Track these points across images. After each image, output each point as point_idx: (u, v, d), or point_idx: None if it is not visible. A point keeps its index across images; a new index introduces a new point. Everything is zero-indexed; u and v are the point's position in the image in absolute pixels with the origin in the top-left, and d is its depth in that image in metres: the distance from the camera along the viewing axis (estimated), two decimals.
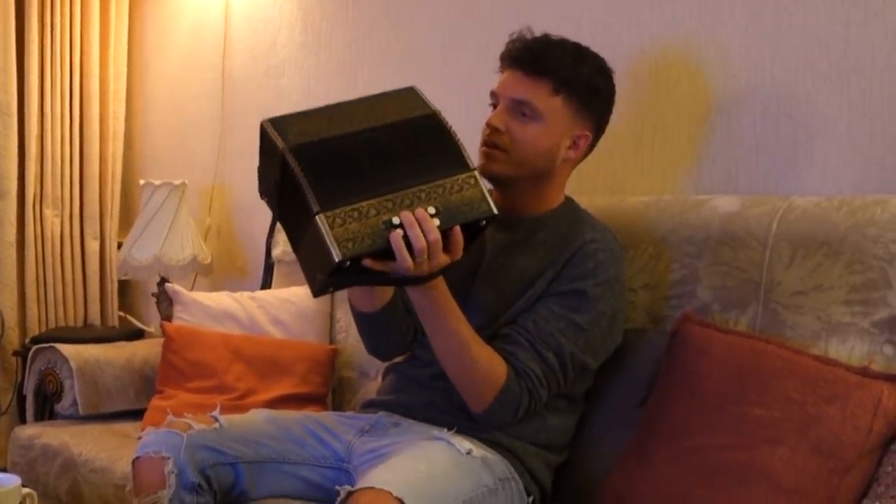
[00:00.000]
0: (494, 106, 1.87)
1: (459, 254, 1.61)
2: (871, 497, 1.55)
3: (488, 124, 1.84)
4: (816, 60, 2.04)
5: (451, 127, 1.65)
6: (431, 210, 1.57)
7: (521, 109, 1.82)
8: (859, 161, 1.99)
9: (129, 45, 3.72)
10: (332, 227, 1.51)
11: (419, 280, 1.62)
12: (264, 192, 1.65)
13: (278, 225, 2.87)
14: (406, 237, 1.54)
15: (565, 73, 1.82)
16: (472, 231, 1.63)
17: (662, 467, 1.73)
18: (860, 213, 1.80)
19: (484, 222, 1.63)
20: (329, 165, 1.55)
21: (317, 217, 1.51)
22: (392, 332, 1.91)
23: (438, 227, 1.56)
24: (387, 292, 1.84)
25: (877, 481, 1.57)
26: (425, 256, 1.56)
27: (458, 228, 1.59)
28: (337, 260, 1.50)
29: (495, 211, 1.62)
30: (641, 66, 2.30)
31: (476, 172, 1.64)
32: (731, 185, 2.15)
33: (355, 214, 1.53)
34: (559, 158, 1.87)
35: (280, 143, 1.55)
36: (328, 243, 1.50)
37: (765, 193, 2.06)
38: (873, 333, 1.74)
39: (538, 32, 1.89)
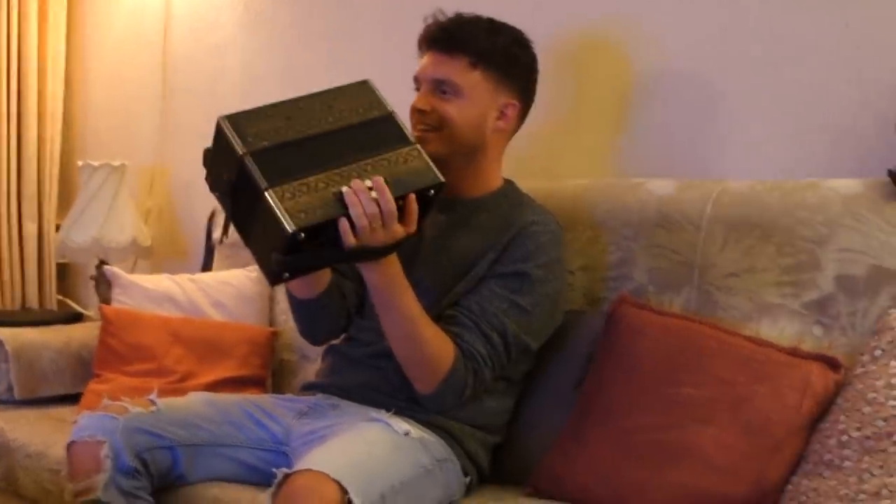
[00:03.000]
0: (419, 90, 1.88)
1: (414, 225, 1.63)
2: (799, 475, 1.58)
3: (414, 108, 1.85)
4: (750, 46, 2.06)
5: (396, 113, 1.69)
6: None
7: (441, 88, 1.84)
8: (791, 146, 2.02)
9: (68, 23, 3.65)
10: (282, 201, 1.52)
11: (376, 253, 1.62)
12: (215, 187, 1.65)
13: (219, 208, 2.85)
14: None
15: (480, 47, 1.84)
16: (422, 205, 1.65)
17: (597, 447, 1.76)
18: (791, 197, 1.82)
19: (432, 192, 1.65)
20: (282, 157, 1.57)
21: (266, 193, 1.52)
22: (327, 317, 1.90)
23: None
24: (324, 278, 1.84)
25: (805, 459, 1.59)
26: (380, 223, 1.57)
27: (412, 197, 1.62)
28: (291, 230, 1.50)
29: (442, 178, 1.66)
30: (578, 49, 2.31)
31: (418, 146, 1.67)
32: (667, 169, 2.17)
33: (304, 189, 1.55)
34: (489, 130, 1.88)
35: (239, 147, 1.56)
36: (280, 217, 1.51)
37: (700, 177, 2.09)
38: (803, 314, 1.78)
39: (451, 13, 1.90)
